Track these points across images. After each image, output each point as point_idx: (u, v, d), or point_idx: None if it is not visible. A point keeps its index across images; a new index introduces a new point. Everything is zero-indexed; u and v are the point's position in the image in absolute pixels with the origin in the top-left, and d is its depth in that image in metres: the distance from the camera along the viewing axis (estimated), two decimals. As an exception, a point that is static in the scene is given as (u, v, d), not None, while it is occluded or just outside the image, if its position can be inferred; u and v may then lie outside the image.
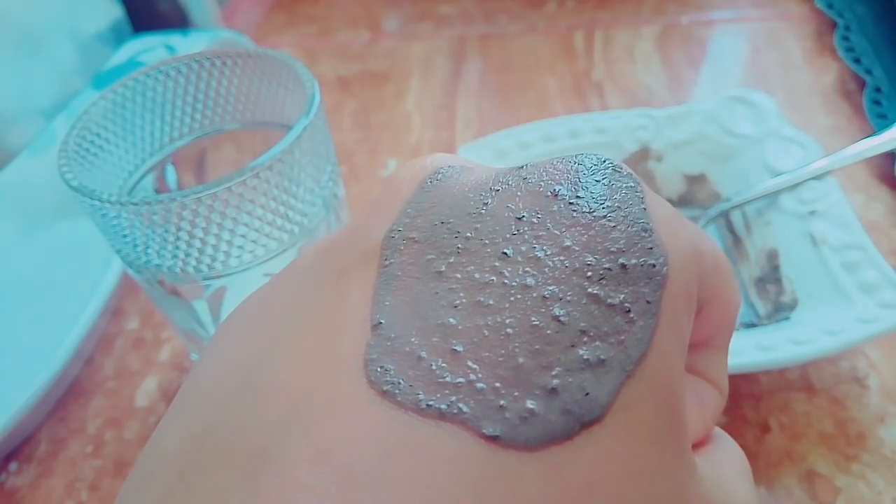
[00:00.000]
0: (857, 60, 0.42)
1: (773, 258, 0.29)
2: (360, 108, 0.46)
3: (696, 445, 0.14)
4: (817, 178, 0.30)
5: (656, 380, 0.11)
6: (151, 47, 0.43)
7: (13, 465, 0.28)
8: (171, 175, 0.25)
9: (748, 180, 0.32)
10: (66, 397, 0.31)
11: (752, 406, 0.27)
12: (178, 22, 0.48)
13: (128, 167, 0.24)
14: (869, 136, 0.32)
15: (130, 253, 0.21)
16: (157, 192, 0.25)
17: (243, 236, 0.21)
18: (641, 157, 0.34)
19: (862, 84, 0.41)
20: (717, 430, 0.15)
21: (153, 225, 0.20)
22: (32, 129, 0.38)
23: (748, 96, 0.34)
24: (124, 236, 0.20)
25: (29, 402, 0.28)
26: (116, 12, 0.46)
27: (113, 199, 0.19)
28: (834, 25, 0.46)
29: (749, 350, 0.25)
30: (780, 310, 0.28)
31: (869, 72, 0.41)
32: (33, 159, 0.36)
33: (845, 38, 0.44)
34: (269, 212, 0.21)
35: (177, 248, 0.20)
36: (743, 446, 0.15)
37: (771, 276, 0.29)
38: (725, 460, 0.13)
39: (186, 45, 0.42)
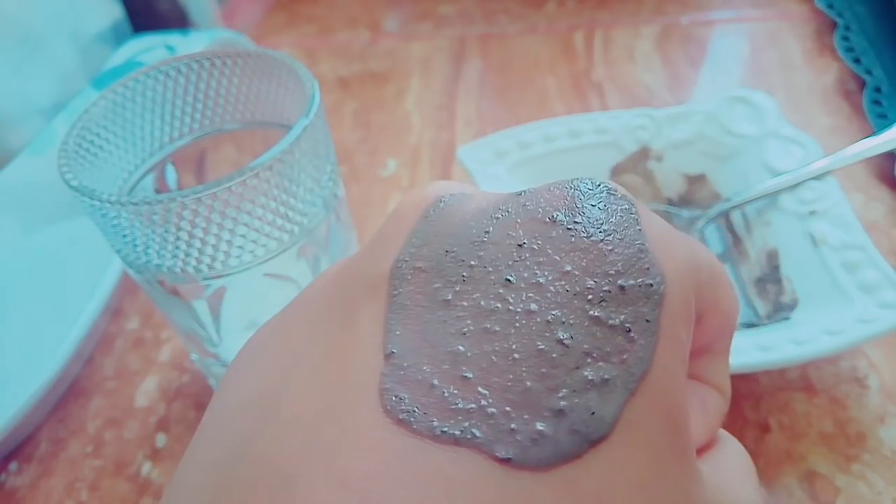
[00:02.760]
0: (857, 60, 0.42)
1: (773, 258, 0.29)
2: (360, 108, 0.46)
3: (702, 450, 0.14)
4: (817, 178, 0.30)
5: (659, 395, 0.11)
6: (151, 47, 0.43)
7: (13, 465, 0.28)
8: (171, 175, 0.25)
9: (748, 180, 0.32)
10: (66, 397, 0.31)
11: (752, 406, 0.27)
12: (178, 22, 0.48)
13: (128, 167, 0.24)
14: (869, 136, 0.32)
15: (130, 253, 0.21)
16: (157, 192, 0.25)
17: (243, 236, 0.21)
18: (641, 157, 0.34)
19: (862, 84, 0.41)
20: (721, 431, 0.15)
21: (153, 225, 0.20)
22: (32, 129, 0.38)
23: (748, 96, 0.34)
24: (124, 236, 0.20)
25: (29, 402, 0.28)
26: (116, 12, 0.46)
27: (113, 199, 0.19)
28: (834, 25, 0.46)
29: (749, 350, 0.25)
30: (780, 310, 0.28)
31: (869, 72, 0.41)
32: (33, 159, 0.36)
33: (845, 38, 0.44)
34: (269, 212, 0.21)
35: (177, 248, 0.20)
36: (743, 446, 0.15)
37: (771, 276, 0.29)
38: (730, 462, 0.14)
39: (186, 45, 0.42)
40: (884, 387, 0.27)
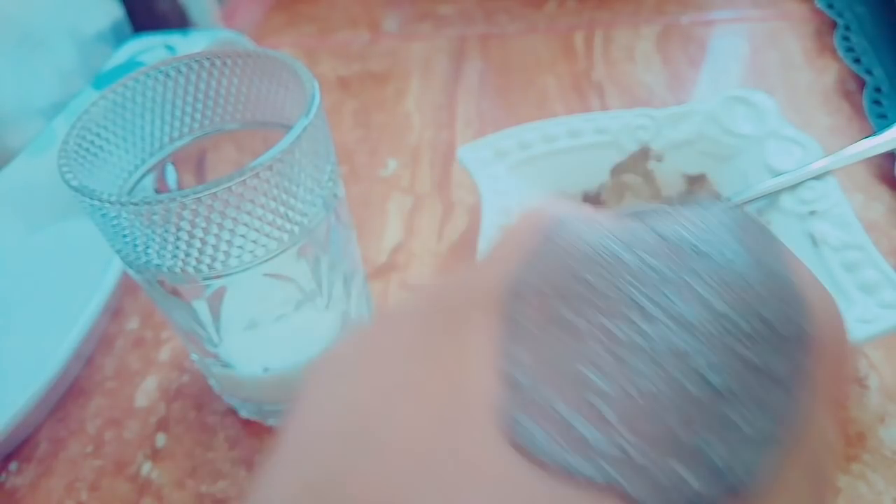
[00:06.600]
0: (857, 60, 0.42)
1: (773, 258, 0.29)
2: (360, 108, 0.46)
3: None
4: (817, 178, 0.30)
5: (811, 460, 0.10)
6: (151, 47, 0.43)
7: (13, 465, 0.28)
8: (171, 175, 0.25)
9: (748, 180, 0.32)
10: (66, 397, 0.31)
11: (752, 406, 0.27)
12: (178, 22, 0.48)
13: (128, 167, 0.24)
14: (869, 136, 0.32)
15: (130, 253, 0.21)
16: (157, 192, 0.25)
17: (243, 236, 0.21)
18: (641, 157, 0.34)
19: (862, 84, 0.41)
20: None
21: (153, 225, 0.20)
22: (32, 129, 0.38)
23: (748, 96, 0.34)
24: (124, 236, 0.20)
25: (29, 402, 0.28)
26: (116, 12, 0.46)
27: (113, 199, 0.19)
28: (834, 25, 0.46)
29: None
30: (780, 310, 0.27)
31: (869, 72, 0.41)
32: (33, 159, 0.36)
33: (845, 38, 0.44)
34: (269, 212, 0.21)
35: (177, 248, 0.20)
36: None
37: (771, 276, 0.29)
38: None
39: (186, 45, 0.42)
40: (884, 387, 0.27)
